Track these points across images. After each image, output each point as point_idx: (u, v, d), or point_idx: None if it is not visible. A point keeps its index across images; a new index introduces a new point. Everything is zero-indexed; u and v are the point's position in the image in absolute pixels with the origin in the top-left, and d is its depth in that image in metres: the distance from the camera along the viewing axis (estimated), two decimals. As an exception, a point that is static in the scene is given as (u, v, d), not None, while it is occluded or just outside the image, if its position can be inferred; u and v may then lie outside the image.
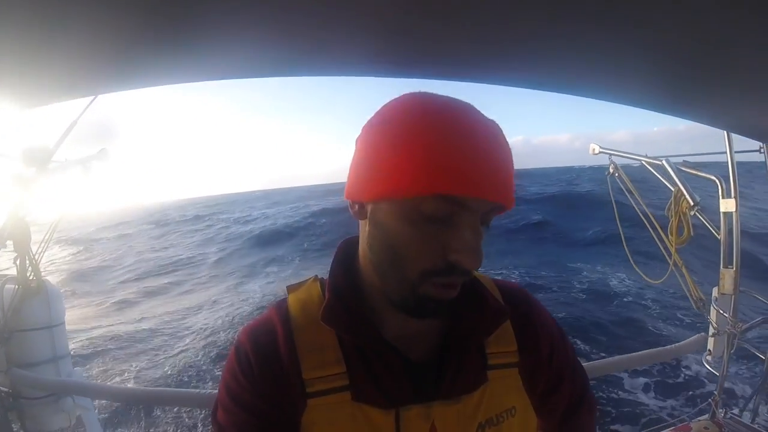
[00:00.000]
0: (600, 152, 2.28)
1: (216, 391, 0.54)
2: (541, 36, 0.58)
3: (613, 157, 2.26)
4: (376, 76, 0.82)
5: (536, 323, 0.58)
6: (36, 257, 2.02)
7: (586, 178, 33.66)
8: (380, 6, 0.50)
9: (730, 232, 1.95)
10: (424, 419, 0.47)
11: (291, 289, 0.57)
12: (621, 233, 2.35)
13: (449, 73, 0.83)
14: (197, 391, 1.23)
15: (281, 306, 0.54)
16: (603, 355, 5.43)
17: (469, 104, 0.44)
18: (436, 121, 0.40)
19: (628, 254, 2.41)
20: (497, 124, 0.43)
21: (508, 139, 0.43)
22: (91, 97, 2.00)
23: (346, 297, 0.50)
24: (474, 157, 0.39)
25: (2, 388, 2.00)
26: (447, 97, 0.44)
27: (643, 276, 2.28)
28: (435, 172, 0.38)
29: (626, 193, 2.25)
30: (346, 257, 0.54)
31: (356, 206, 0.47)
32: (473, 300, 0.53)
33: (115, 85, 0.78)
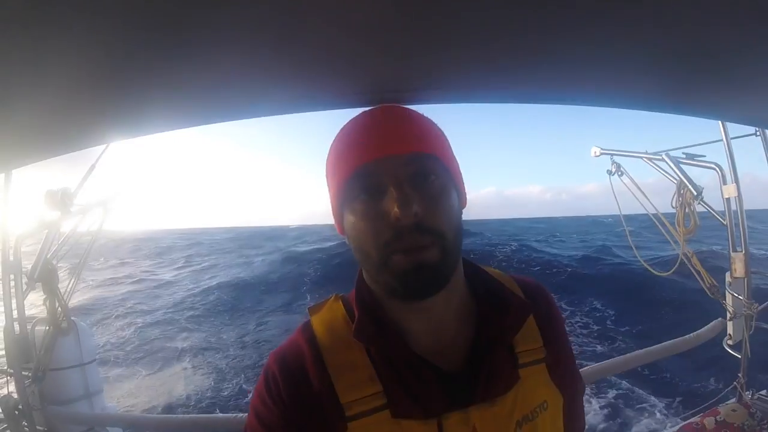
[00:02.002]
0: (601, 153, 2.34)
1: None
2: (532, 46, 0.58)
3: (614, 157, 2.31)
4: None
5: (555, 316, 0.60)
6: (65, 297, 2.08)
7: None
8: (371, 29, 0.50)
9: (734, 216, 1.98)
10: (465, 424, 0.47)
11: (313, 310, 0.57)
12: (626, 232, 2.41)
13: (448, 96, 0.86)
14: (239, 415, 1.24)
15: (306, 328, 0.54)
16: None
17: (384, 105, 0.53)
18: (343, 127, 0.51)
19: (634, 249, 2.45)
20: (402, 107, 0.52)
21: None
22: (105, 145, 2.09)
23: (374, 312, 0.51)
24: (365, 132, 0.48)
25: (39, 428, 2.05)
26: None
27: (651, 269, 2.30)
28: (345, 157, 0.48)
29: (632, 193, 2.29)
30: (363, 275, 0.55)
31: (339, 227, 0.53)
32: (495, 301, 0.54)
33: (126, 134, 0.81)
